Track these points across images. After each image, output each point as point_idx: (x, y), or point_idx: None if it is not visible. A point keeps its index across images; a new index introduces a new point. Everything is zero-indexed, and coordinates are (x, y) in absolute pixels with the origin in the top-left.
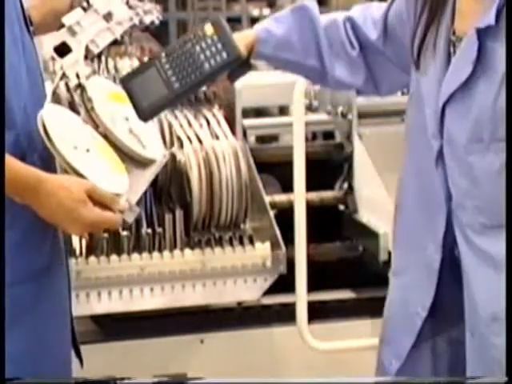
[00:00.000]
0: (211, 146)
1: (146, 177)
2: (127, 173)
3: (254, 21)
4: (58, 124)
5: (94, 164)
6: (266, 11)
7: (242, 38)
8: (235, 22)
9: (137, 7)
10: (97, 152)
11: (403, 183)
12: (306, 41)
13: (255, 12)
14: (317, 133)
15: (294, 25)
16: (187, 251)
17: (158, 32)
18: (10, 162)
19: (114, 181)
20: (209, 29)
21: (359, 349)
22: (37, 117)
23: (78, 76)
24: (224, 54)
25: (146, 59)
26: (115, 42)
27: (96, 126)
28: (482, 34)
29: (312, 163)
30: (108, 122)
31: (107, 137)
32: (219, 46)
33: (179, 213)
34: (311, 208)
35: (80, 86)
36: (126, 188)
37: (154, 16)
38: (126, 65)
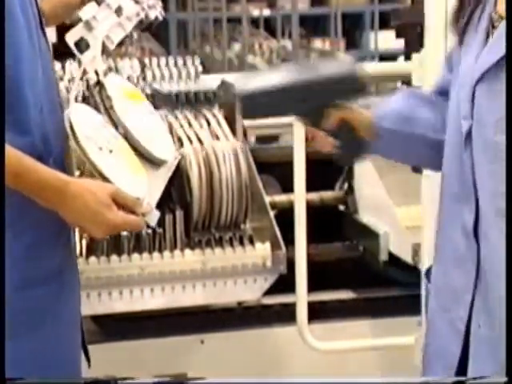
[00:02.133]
0: (211, 147)
1: (162, 178)
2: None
3: (254, 21)
4: (84, 124)
5: (117, 166)
6: (267, 12)
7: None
8: (235, 23)
9: (142, 2)
10: (119, 153)
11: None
12: (426, 112)
13: (255, 12)
14: None
15: (408, 99)
16: (187, 251)
17: (158, 32)
18: (34, 164)
19: (135, 183)
20: None
21: (360, 349)
22: (54, 118)
23: (96, 73)
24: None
25: (146, 59)
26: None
27: (115, 126)
28: None
29: (312, 163)
30: (127, 122)
31: (126, 137)
32: None
33: (179, 213)
34: (311, 208)
35: (99, 83)
36: (147, 190)
37: (157, 11)
38: (127, 65)
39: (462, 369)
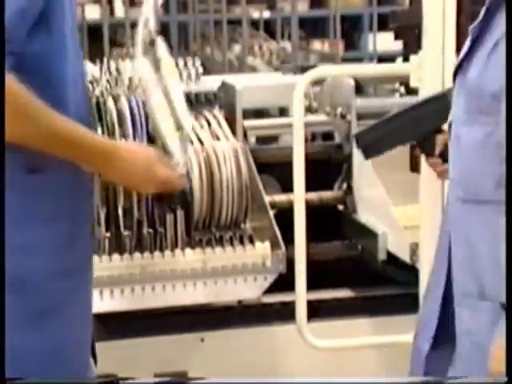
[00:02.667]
0: (212, 147)
1: (183, 150)
2: None
3: (254, 23)
4: None
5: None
6: (266, 14)
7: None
8: (236, 24)
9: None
10: (165, 114)
11: None
12: None
13: (255, 14)
14: (316, 134)
15: None
16: (188, 251)
17: (159, 34)
18: (83, 132)
19: (173, 146)
20: None
21: (358, 347)
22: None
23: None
24: None
25: None
26: (115, 44)
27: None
28: (487, 12)
29: (311, 164)
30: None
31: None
32: None
33: (180, 213)
34: (310, 208)
35: (153, 42)
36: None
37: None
38: (128, 67)
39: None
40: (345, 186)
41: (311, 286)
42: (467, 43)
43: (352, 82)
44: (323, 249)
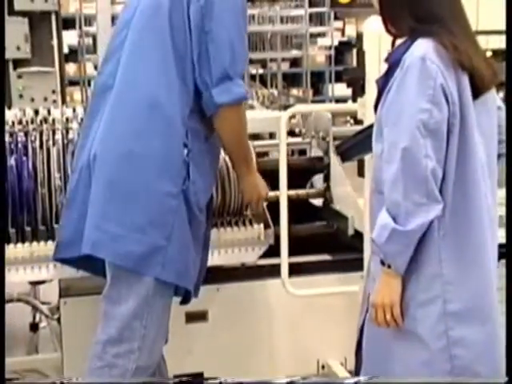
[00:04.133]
0: (223, 159)
1: None
2: None
3: (252, 76)
4: None
5: None
6: (260, 70)
7: None
8: None
9: None
10: None
11: None
12: None
13: (253, 71)
14: (294, 150)
15: None
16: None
17: None
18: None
19: None
20: None
21: (325, 295)
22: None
23: None
24: None
25: None
26: None
27: None
28: (388, 70)
29: (303, 170)
30: None
31: None
32: None
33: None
34: (301, 200)
35: None
36: None
37: None
38: None
39: None
40: (325, 185)
41: (299, 252)
42: (376, 90)
43: (329, 115)
44: (306, 228)
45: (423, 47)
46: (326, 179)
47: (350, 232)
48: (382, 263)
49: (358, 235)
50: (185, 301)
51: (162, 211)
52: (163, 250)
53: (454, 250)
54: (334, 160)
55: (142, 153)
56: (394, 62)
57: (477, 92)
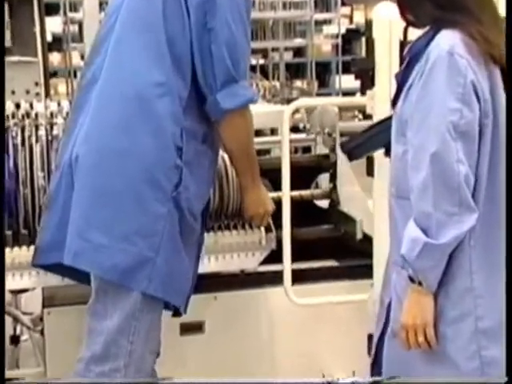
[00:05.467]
0: (221, 156)
1: None
2: None
3: (252, 68)
4: None
5: None
6: (261, 61)
7: None
8: None
9: None
10: None
11: None
12: None
13: (254, 61)
14: (298, 148)
15: None
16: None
17: None
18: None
19: None
20: None
21: (328, 304)
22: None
23: None
24: None
25: None
26: None
27: None
28: (408, 63)
29: (307, 169)
30: None
31: None
32: None
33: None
34: (305, 202)
35: None
36: None
37: None
38: None
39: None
40: (331, 185)
41: (303, 258)
42: (395, 85)
43: (336, 110)
44: (310, 232)
45: (449, 39)
46: (333, 179)
47: (359, 236)
48: (411, 280)
49: (367, 239)
50: (176, 313)
51: (150, 219)
52: (151, 262)
53: (484, 261)
54: (342, 158)
55: (128, 154)
56: (414, 54)
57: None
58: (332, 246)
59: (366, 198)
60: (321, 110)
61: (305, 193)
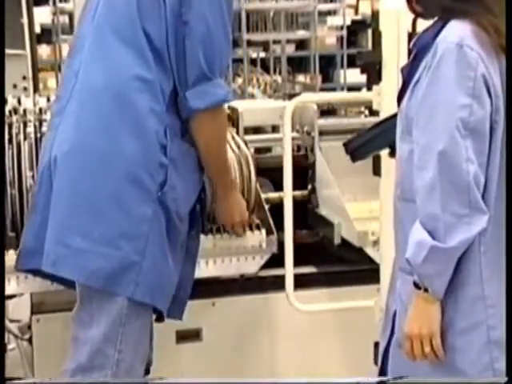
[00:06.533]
0: None
1: None
2: None
3: (252, 61)
4: None
5: None
6: (262, 54)
7: None
8: (238, 62)
9: None
10: None
11: None
12: None
13: (254, 55)
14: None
15: None
16: (202, 236)
17: None
18: (230, 167)
19: None
20: None
21: (331, 310)
22: None
23: None
24: None
25: None
26: None
27: None
28: (415, 57)
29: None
30: None
31: None
32: None
33: (197, 207)
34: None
35: None
36: None
37: None
38: None
39: None
40: (310, 187)
41: (305, 262)
42: (401, 79)
43: (315, 107)
44: (313, 235)
45: (459, 30)
46: (311, 180)
47: (337, 241)
48: (417, 286)
49: (346, 244)
50: (160, 319)
51: (135, 221)
52: (137, 266)
53: (495, 267)
54: (321, 158)
55: (108, 154)
56: (421, 47)
57: None
58: (310, 251)
59: (372, 199)
60: (300, 107)
61: (306, 193)
